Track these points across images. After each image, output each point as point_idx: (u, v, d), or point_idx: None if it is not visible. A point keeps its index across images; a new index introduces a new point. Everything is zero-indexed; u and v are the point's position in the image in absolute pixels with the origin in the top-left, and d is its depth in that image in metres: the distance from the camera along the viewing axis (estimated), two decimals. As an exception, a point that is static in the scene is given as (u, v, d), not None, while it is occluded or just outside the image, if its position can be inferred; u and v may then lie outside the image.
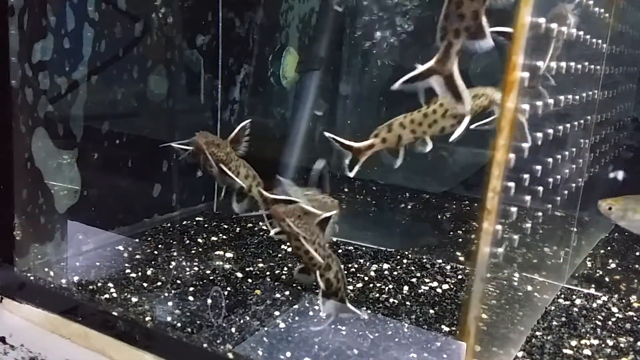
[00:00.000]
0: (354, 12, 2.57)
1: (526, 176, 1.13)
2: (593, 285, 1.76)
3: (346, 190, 2.57)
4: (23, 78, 1.52)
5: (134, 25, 1.86)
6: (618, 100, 2.00)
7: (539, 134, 1.15)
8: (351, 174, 1.32)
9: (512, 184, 1.03)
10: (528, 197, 1.15)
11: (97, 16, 1.73)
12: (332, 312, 1.35)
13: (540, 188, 1.25)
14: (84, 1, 1.71)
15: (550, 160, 1.30)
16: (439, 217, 2.31)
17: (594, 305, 1.63)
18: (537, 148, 1.15)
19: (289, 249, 1.90)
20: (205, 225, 2.06)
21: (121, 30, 1.81)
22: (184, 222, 2.07)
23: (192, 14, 2.07)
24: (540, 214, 1.32)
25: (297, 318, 1.44)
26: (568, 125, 1.40)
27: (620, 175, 1.57)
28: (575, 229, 1.79)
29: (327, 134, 1.33)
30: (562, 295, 1.68)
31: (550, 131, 1.23)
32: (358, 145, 1.32)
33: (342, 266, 1.35)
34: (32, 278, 1.55)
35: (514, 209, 1.08)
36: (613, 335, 1.47)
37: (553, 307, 1.60)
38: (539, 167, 1.21)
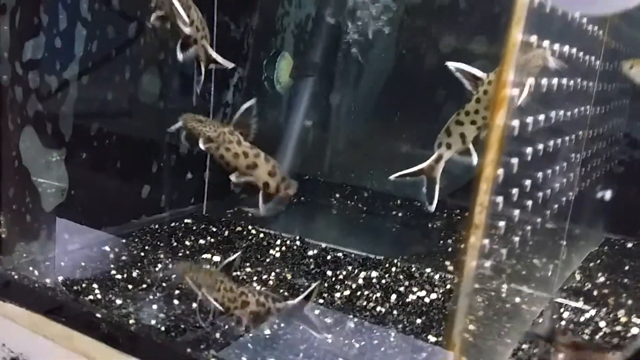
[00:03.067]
0: (351, 18, 2.57)
1: (515, 190, 1.12)
2: (581, 299, 1.75)
3: (337, 195, 2.56)
4: (13, 76, 1.51)
5: (127, 26, 1.85)
6: (611, 116, 2.00)
7: (529, 149, 1.15)
8: (432, 207, 1.21)
9: (500, 199, 1.03)
10: (517, 211, 1.15)
11: (90, 16, 1.71)
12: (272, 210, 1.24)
13: (530, 202, 1.25)
14: (77, 1, 1.70)
15: (540, 174, 1.29)
16: (430, 225, 2.30)
17: (582, 319, 1.62)
18: (527, 163, 1.14)
19: (277, 254, 1.90)
20: (194, 228, 2.04)
21: (114, 30, 1.80)
22: (172, 224, 2.06)
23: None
24: (529, 227, 1.32)
25: (282, 325, 1.43)
26: (559, 140, 1.40)
27: (607, 195, 1.56)
28: (564, 242, 1.78)
29: (392, 177, 1.22)
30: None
31: (541, 146, 1.23)
32: (427, 164, 1.20)
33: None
34: (16, 277, 1.53)
35: (502, 223, 1.07)
36: (599, 350, 1.46)
37: (540, 320, 1.59)
38: (528, 182, 1.20)
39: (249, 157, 1.18)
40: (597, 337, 1.52)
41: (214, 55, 1.29)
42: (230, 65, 1.33)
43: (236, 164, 1.18)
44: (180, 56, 1.24)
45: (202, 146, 1.19)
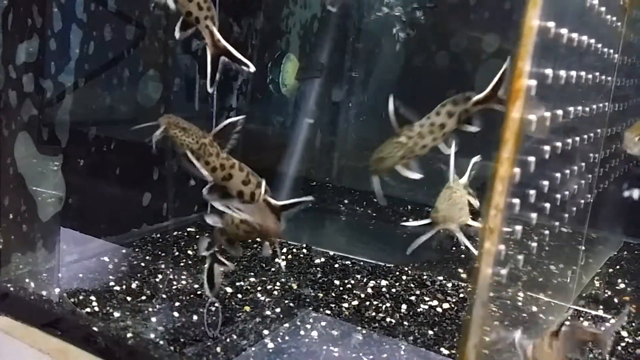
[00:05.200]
0: (357, 17, 2.51)
1: (532, 192, 1.05)
2: (601, 307, 1.68)
3: (346, 201, 2.50)
4: (6, 80, 1.47)
5: (125, 28, 1.80)
6: (630, 114, 1.92)
7: (547, 147, 1.07)
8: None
9: (516, 201, 0.95)
10: (534, 215, 1.07)
11: (87, 18, 1.67)
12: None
13: (547, 205, 1.17)
14: (74, 2, 1.65)
15: (558, 175, 1.22)
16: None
17: (602, 328, 1.54)
18: (545, 162, 1.07)
19: (283, 263, 1.83)
20: (197, 237, 1.98)
21: (112, 32, 1.75)
22: (175, 233, 2.00)
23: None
24: (547, 232, 1.24)
25: (287, 338, 1.36)
26: (577, 138, 1.32)
27: (636, 194, 1.50)
28: (583, 247, 1.70)
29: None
30: (569, 317, 1.60)
31: (559, 144, 1.16)
32: None
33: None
34: (12, 289, 1.50)
35: (518, 228, 1.00)
36: (623, 361, 1.39)
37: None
38: (546, 183, 1.13)
39: (225, 169, 1.18)
40: (619, 347, 1.44)
41: (218, 36, 1.15)
42: (247, 64, 1.17)
43: (213, 177, 1.18)
44: (177, 34, 1.16)
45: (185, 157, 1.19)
